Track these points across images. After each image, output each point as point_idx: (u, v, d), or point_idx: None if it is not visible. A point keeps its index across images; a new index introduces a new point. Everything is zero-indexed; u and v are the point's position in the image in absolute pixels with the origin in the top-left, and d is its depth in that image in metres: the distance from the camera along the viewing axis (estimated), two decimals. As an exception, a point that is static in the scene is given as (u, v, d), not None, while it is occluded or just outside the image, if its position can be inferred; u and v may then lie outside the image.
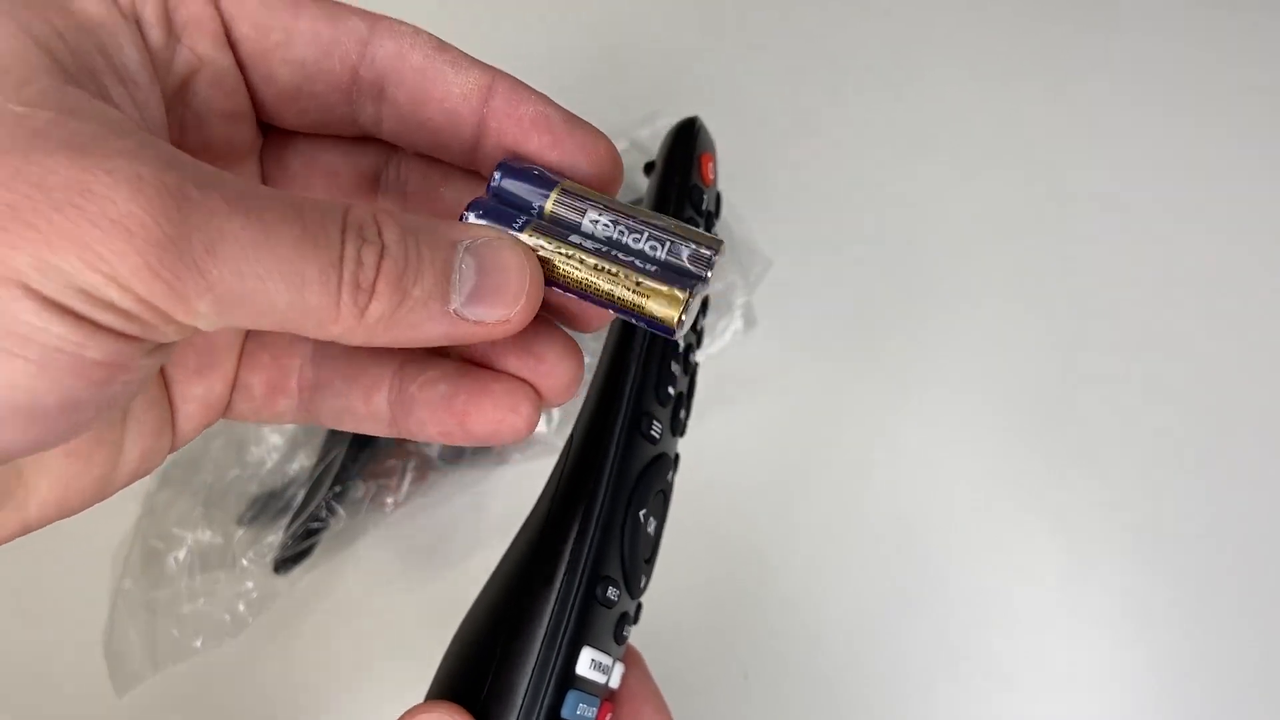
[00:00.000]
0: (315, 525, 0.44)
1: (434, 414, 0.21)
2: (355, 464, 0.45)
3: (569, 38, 0.57)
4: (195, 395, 0.21)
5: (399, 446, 0.46)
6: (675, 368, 0.26)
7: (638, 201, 0.47)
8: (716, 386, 0.46)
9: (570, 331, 0.22)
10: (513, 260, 0.18)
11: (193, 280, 0.15)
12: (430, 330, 0.18)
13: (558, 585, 0.23)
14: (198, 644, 0.43)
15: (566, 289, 0.19)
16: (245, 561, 0.44)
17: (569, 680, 0.23)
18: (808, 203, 0.53)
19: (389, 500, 0.45)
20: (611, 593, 0.23)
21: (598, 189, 0.20)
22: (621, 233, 0.19)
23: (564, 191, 0.19)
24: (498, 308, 0.18)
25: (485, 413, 0.20)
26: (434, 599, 0.46)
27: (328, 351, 0.22)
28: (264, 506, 0.45)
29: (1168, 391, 0.49)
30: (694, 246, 0.19)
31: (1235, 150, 0.54)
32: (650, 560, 0.26)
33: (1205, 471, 0.47)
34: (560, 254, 0.19)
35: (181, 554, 0.45)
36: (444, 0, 0.58)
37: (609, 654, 0.24)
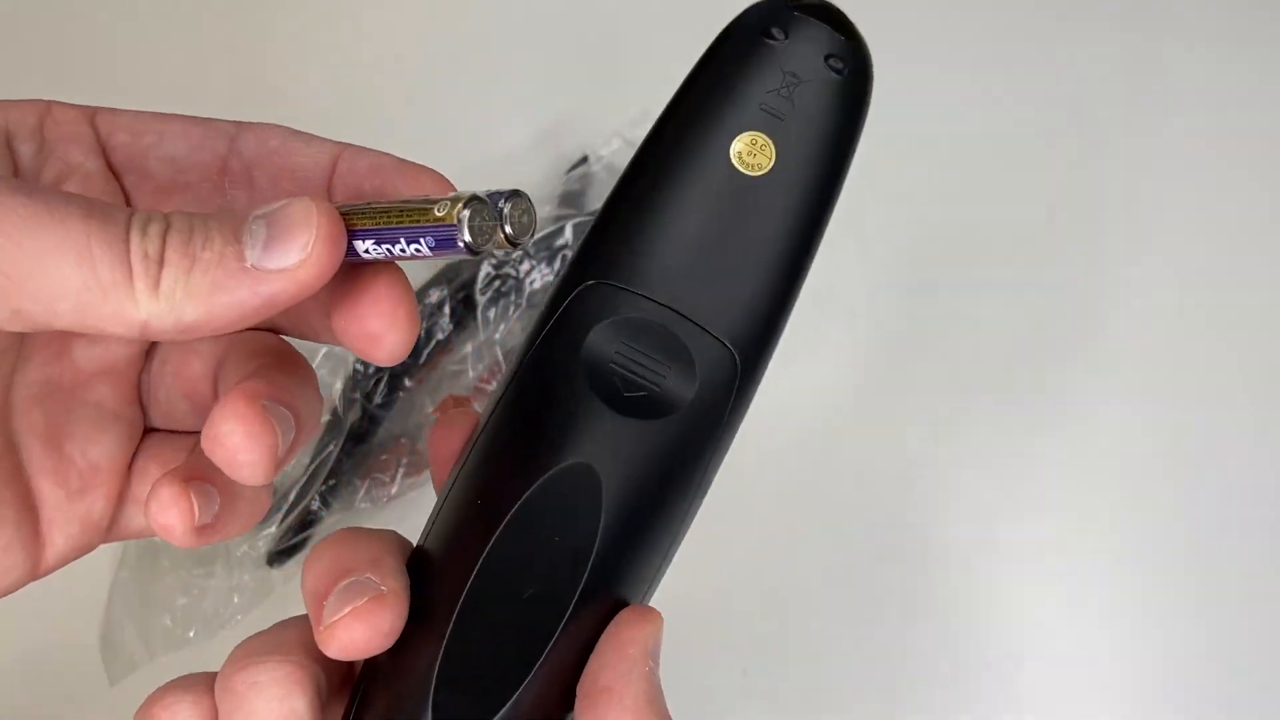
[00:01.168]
0: (309, 518, 0.44)
1: None
2: (350, 459, 0.45)
3: (563, 38, 0.57)
4: (76, 515, 0.22)
5: (394, 442, 0.46)
6: None
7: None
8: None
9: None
10: (298, 206, 0.18)
11: None
12: (236, 290, 0.18)
13: None
14: (191, 635, 0.43)
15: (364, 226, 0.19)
16: (240, 554, 0.44)
17: None
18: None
19: (383, 495, 0.45)
20: None
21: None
22: (388, 250, 0.19)
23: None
24: (293, 248, 0.18)
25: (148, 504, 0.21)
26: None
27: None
28: (259, 499, 0.45)
29: (1174, 387, 0.49)
30: (437, 229, 0.18)
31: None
32: None
33: (1212, 467, 0.47)
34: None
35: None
36: (440, 0, 0.58)
37: None
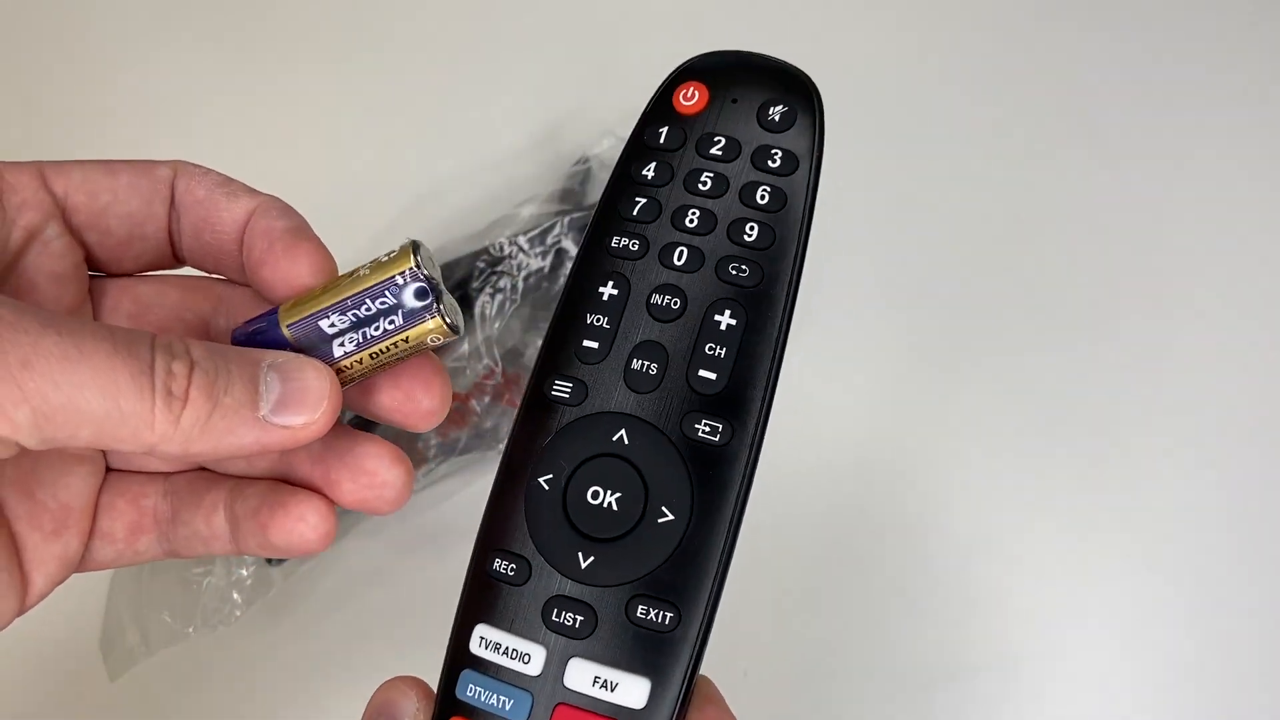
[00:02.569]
0: (307, 514, 0.44)
1: (249, 528, 0.23)
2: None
3: (559, 36, 0.57)
4: (53, 554, 0.23)
5: (392, 440, 0.46)
6: (597, 318, 0.23)
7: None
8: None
9: (405, 437, 0.24)
10: (311, 371, 0.20)
11: (8, 392, 0.17)
12: (244, 436, 0.20)
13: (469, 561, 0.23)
14: (190, 630, 0.43)
15: (364, 376, 0.22)
16: (239, 550, 0.44)
17: (460, 658, 0.22)
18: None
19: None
20: (503, 566, 0.22)
21: (316, 282, 0.22)
22: (354, 316, 0.21)
23: (290, 325, 0.22)
24: (302, 413, 0.20)
25: (279, 523, 0.23)
26: (426, 589, 0.45)
27: (174, 484, 0.25)
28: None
29: (1182, 391, 0.48)
30: (387, 282, 0.21)
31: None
32: (598, 536, 0.22)
33: (1215, 471, 0.47)
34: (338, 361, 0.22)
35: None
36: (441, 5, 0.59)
37: (525, 636, 0.22)
